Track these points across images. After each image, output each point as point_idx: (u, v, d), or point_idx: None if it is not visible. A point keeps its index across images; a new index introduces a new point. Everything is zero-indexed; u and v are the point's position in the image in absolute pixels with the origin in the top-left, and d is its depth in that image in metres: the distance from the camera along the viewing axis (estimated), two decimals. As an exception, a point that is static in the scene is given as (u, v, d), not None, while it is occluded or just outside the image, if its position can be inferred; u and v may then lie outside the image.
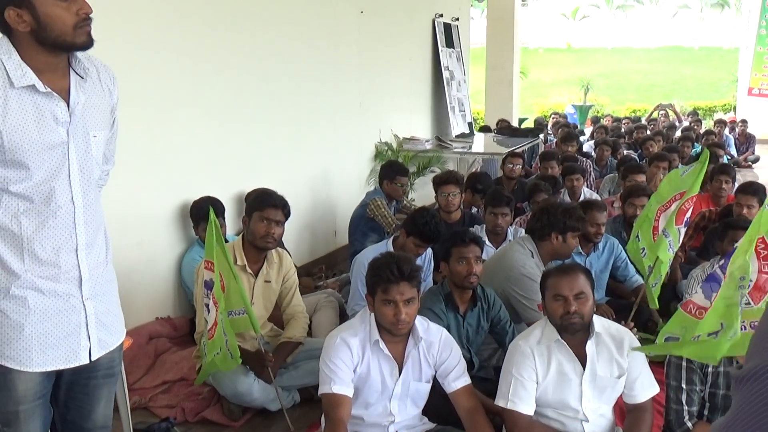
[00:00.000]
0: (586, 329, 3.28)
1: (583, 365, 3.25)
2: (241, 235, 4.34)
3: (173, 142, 5.11)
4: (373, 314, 3.32)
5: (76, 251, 2.24)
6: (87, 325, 2.28)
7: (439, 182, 6.12)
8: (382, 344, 3.30)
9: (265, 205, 4.22)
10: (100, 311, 2.32)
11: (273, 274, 4.33)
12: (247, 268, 4.23)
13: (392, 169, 6.67)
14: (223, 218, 5.14)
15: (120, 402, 3.71)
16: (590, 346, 3.27)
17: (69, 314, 2.25)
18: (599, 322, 3.34)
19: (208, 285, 3.72)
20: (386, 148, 8.36)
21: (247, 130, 5.95)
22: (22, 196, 2.15)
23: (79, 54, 2.20)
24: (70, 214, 2.22)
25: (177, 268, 5.15)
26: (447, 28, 10.35)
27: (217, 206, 4.92)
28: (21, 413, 2.23)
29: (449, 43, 10.38)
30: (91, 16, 2.13)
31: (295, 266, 4.50)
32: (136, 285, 4.81)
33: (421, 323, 3.39)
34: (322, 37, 7.05)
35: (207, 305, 3.76)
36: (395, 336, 3.31)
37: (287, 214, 4.30)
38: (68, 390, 2.40)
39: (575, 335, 3.26)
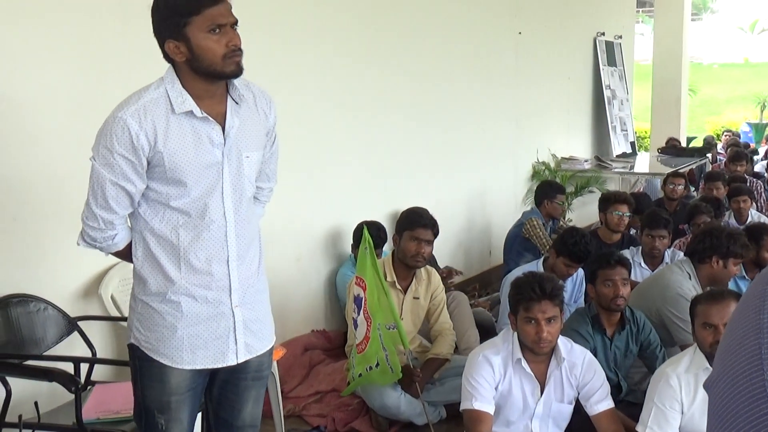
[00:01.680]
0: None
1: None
2: (391, 252, 4.48)
3: (332, 163, 5.33)
4: (515, 333, 3.36)
5: (227, 262, 2.43)
6: (235, 330, 2.47)
7: (610, 201, 5.98)
8: (524, 363, 3.33)
9: (415, 225, 4.35)
10: (248, 318, 2.50)
11: (422, 291, 4.44)
12: (397, 284, 4.36)
13: (552, 188, 6.68)
14: (381, 249, 5.24)
15: (274, 408, 3.92)
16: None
17: (218, 319, 2.44)
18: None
19: (358, 301, 3.86)
20: (543, 167, 8.32)
21: (404, 150, 6.10)
22: (181, 211, 2.37)
23: (237, 81, 2.38)
24: (222, 227, 2.41)
25: (332, 283, 5.34)
26: (609, 46, 10.18)
27: (380, 233, 5.08)
28: (173, 402, 2.46)
29: (611, 62, 10.20)
30: (240, 47, 2.30)
31: (449, 284, 4.60)
32: (293, 298, 5.04)
33: (564, 344, 3.39)
34: (479, 57, 7.13)
35: (355, 320, 3.91)
36: (537, 355, 3.32)
37: (436, 234, 4.40)
38: (221, 388, 2.61)
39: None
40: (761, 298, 0.59)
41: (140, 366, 2.49)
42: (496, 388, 3.33)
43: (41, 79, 3.49)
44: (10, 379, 3.19)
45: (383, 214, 5.74)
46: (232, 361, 2.49)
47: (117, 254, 2.53)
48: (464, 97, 6.92)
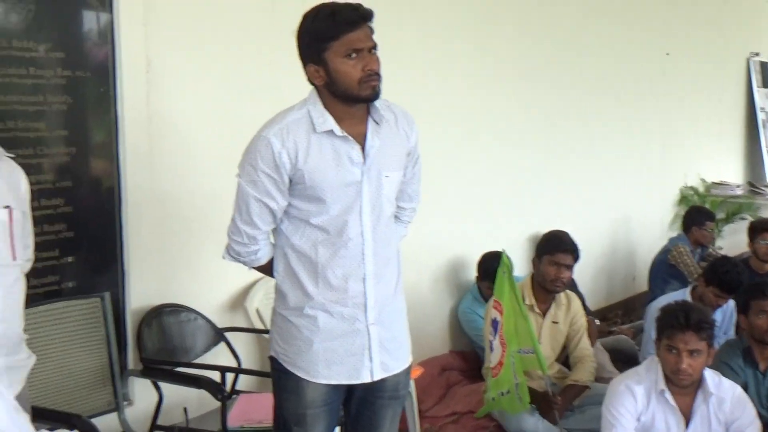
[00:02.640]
0: None
1: None
2: (530, 275, 4.43)
3: (475, 184, 5.33)
4: (660, 363, 3.25)
5: (364, 280, 2.46)
6: (370, 347, 2.49)
7: (761, 229, 5.79)
8: (668, 395, 3.22)
9: (556, 250, 4.29)
10: (384, 337, 2.52)
11: (561, 316, 4.36)
12: (536, 308, 4.30)
13: (701, 214, 6.48)
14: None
15: (410, 427, 3.96)
16: None
17: (354, 336, 2.48)
18: None
19: (494, 324, 3.84)
20: (692, 192, 8.05)
21: (546, 174, 6.03)
22: (320, 228, 2.42)
23: (377, 102, 2.42)
24: (359, 246, 2.44)
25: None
26: (764, 67, 9.73)
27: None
28: (308, 416, 2.50)
29: (766, 83, 9.75)
30: (378, 71, 2.33)
31: (590, 309, 4.49)
32: (431, 318, 5.07)
33: (712, 377, 3.25)
34: (625, 78, 6.97)
35: (491, 342, 3.88)
36: (681, 387, 3.21)
37: (577, 258, 4.33)
38: (358, 406, 2.63)
39: None
40: None
41: (279, 378, 2.56)
42: (638, 419, 3.23)
43: (195, 99, 3.67)
44: (161, 385, 3.37)
45: (523, 238, 5.69)
46: (366, 378, 2.51)
47: (259, 269, 2.60)
48: (609, 119, 6.78)
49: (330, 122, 2.37)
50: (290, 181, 2.38)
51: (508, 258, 3.85)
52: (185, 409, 3.29)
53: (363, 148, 2.41)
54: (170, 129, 3.56)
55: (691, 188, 8.11)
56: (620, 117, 6.94)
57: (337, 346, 2.47)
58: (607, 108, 6.73)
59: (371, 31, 2.34)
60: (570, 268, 4.30)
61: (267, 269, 2.58)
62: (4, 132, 3.00)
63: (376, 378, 2.53)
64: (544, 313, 4.35)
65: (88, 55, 3.26)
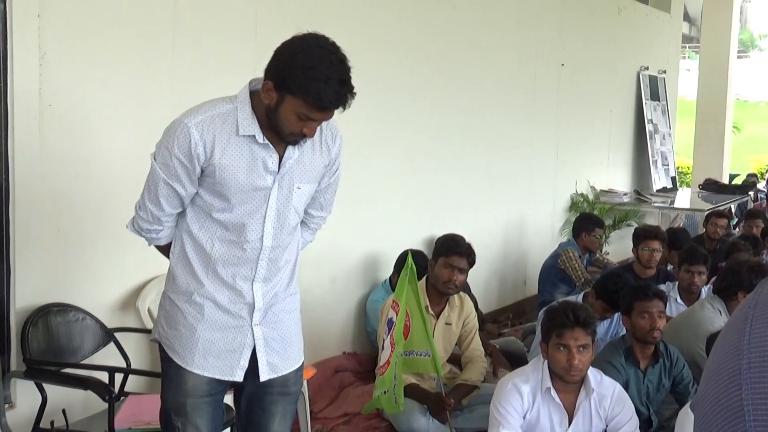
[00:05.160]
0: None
1: None
2: (425, 277, 4.50)
3: (371, 188, 5.37)
4: (546, 362, 3.36)
5: (252, 282, 2.49)
6: (255, 348, 2.51)
7: (643, 237, 5.96)
8: (553, 392, 3.33)
9: (450, 252, 4.37)
10: (270, 337, 2.55)
11: (454, 317, 4.45)
12: (429, 309, 4.37)
13: (591, 221, 6.69)
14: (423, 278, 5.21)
15: (302, 428, 3.96)
16: None
17: (235, 332, 2.50)
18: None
19: (389, 323, 3.88)
20: (582, 199, 8.30)
21: (443, 179, 6.13)
22: (221, 224, 2.44)
23: None
24: (256, 250, 2.47)
25: (364, 306, 5.37)
26: (653, 80, 10.15)
27: (424, 263, 5.07)
28: (188, 405, 2.50)
29: (654, 96, 10.17)
30: (311, 136, 2.39)
31: (482, 312, 4.59)
32: (326, 319, 5.08)
33: (594, 375, 3.38)
34: (521, 87, 7.16)
35: (383, 341, 3.93)
36: (567, 384, 3.32)
37: (472, 262, 4.42)
38: (248, 402, 2.65)
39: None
40: (744, 320, 0.62)
41: (162, 365, 2.58)
42: (524, 417, 3.33)
43: (89, 94, 3.59)
44: (46, 386, 3.27)
45: (420, 239, 5.77)
46: (239, 378, 2.53)
47: (158, 248, 2.63)
48: (505, 127, 6.94)
49: (254, 128, 2.38)
50: (201, 171, 2.39)
51: (413, 260, 3.90)
52: (63, 411, 3.21)
53: (281, 158, 2.43)
54: (63, 125, 3.47)
55: (582, 195, 8.37)
56: (516, 124, 7.12)
57: (218, 339, 2.48)
58: (504, 116, 6.89)
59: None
60: (464, 271, 4.38)
61: (165, 250, 2.60)
62: None
63: (265, 379, 2.55)
64: (437, 315, 4.42)
65: (-23, 47, 3.15)
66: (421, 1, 5.71)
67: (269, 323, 2.54)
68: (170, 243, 2.56)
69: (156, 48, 3.81)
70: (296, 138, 2.38)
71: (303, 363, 2.72)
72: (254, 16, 4.32)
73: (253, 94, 2.41)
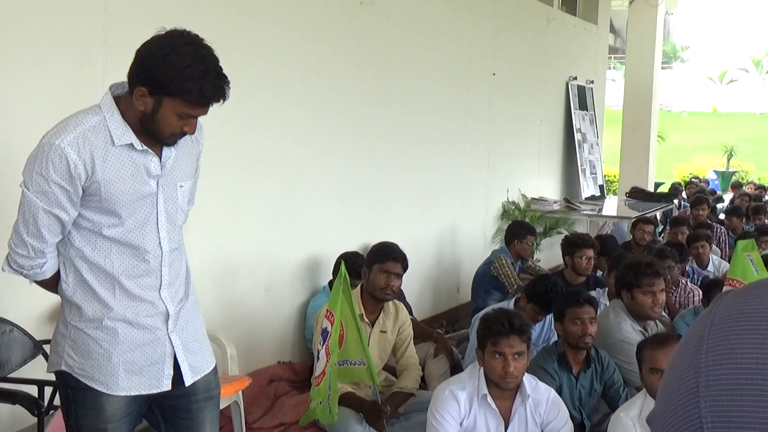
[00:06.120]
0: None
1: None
2: (360, 285, 4.50)
3: (305, 194, 5.35)
4: (482, 369, 3.39)
5: (159, 289, 2.45)
6: (175, 355, 2.48)
7: (578, 245, 5.98)
8: (489, 399, 3.36)
9: (385, 258, 4.38)
10: (186, 340, 2.52)
11: (389, 325, 4.46)
12: (365, 317, 4.37)
13: (523, 228, 6.77)
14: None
15: (238, 439, 3.91)
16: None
17: (155, 345, 2.45)
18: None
19: (324, 334, 3.87)
20: (513, 207, 8.41)
21: (378, 185, 6.15)
22: (114, 240, 2.37)
23: None
24: (158, 257, 2.43)
25: (301, 314, 5.34)
26: (581, 90, 10.35)
27: (361, 262, 5.07)
28: (109, 430, 2.43)
29: (583, 106, 10.37)
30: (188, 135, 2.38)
31: (416, 319, 4.62)
32: (261, 328, 5.04)
33: (529, 381, 3.42)
34: (453, 96, 7.22)
35: (319, 351, 3.91)
36: (503, 391, 3.35)
37: (406, 267, 4.44)
38: (173, 416, 2.59)
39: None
40: (699, 338, 0.63)
41: (73, 395, 2.45)
42: (460, 424, 3.35)
43: None
44: (-29, 401, 3.16)
45: (355, 246, 5.76)
46: (167, 387, 2.49)
47: (41, 283, 2.48)
48: (438, 135, 6.99)
49: (130, 136, 2.32)
50: (83, 191, 2.30)
51: (350, 264, 3.89)
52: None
53: (160, 159, 2.40)
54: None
55: (513, 203, 8.48)
56: (449, 133, 7.18)
57: (138, 357, 2.43)
58: (436, 124, 6.94)
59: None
60: (399, 276, 4.40)
61: (50, 284, 2.46)
62: None
63: (190, 383, 2.52)
64: (372, 323, 4.42)
65: None
66: (355, 11, 5.71)
67: (182, 327, 2.51)
68: (56, 276, 2.43)
69: (77, 55, 3.74)
70: (176, 138, 2.36)
71: (216, 363, 2.69)
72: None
73: (118, 100, 2.34)
